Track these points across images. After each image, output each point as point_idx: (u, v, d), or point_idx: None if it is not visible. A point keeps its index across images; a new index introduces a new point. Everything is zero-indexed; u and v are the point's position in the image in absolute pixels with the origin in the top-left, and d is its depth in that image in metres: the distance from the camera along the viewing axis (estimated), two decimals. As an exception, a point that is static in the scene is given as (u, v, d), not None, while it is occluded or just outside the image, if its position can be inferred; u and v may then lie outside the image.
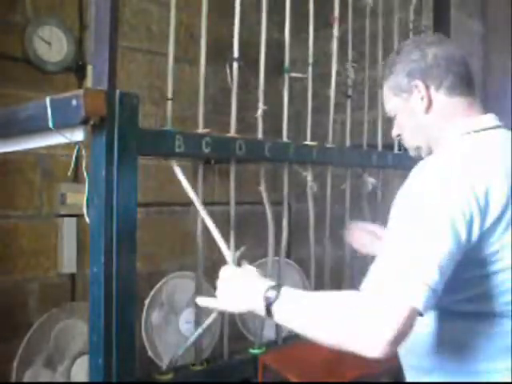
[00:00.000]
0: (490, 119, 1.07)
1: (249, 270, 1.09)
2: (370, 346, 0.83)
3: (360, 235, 1.50)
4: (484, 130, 1.04)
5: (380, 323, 0.82)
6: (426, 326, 1.00)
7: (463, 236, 0.89)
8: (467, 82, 1.08)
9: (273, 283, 1.00)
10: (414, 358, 1.06)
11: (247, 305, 1.03)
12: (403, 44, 1.16)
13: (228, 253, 1.26)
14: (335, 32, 1.71)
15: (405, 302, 0.82)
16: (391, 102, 1.15)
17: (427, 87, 1.07)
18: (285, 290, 0.97)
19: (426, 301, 0.83)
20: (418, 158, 1.08)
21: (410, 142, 1.17)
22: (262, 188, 1.50)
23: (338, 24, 1.72)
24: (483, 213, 0.90)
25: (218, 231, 1.27)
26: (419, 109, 1.08)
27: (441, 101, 1.07)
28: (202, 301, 1.15)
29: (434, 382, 1.04)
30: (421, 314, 0.83)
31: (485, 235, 0.91)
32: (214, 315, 1.35)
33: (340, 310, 0.89)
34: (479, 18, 2.60)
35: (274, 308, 0.95)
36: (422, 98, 1.07)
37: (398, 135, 1.19)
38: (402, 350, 1.04)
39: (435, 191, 0.91)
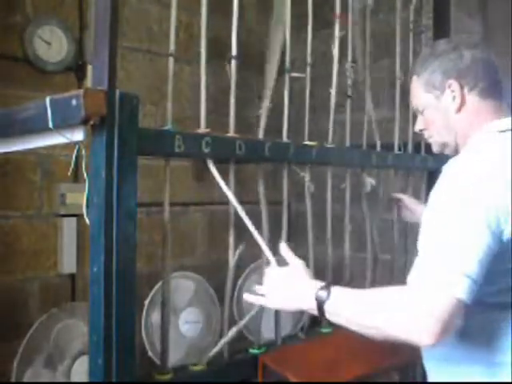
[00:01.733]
0: None
1: (296, 268, 1.14)
2: (421, 335, 0.89)
3: (404, 205, 1.70)
4: (508, 130, 1.07)
5: (427, 314, 0.88)
6: None
7: (498, 229, 0.93)
8: (498, 86, 1.13)
9: (322, 283, 1.05)
10: (441, 349, 1.06)
11: (298, 304, 1.09)
12: (438, 43, 1.20)
13: (269, 253, 1.30)
14: (337, 32, 1.71)
15: (448, 293, 0.88)
16: (421, 97, 1.18)
17: (461, 87, 1.11)
18: (335, 289, 1.03)
19: (468, 291, 0.89)
20: (432, 157, 1.10)
21: (436, 138, 1.20)
22: (261, 189, 1.50)
23: (340, 23, 1.72)
24: None
25: (257, 232, 1.32)
26: (451, 107, 1.12)
27: (473, 102, 1.11)
28: (250, 297, 1.19)
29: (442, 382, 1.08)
30: (465, 304, 0.89)
31: None
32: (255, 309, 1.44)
33: (390, 304, 0.95)
34: (479, 18, 2.60)
35: (326, 307, 1.02)
36: (454, 98, 1.11)
37: (421, 130, 1.23)
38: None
39: (471, 187, 0.95)
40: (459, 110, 1.12)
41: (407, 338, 0.92)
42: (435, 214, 0.98)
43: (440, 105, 1.14)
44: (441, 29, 2.05)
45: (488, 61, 1.12)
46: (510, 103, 1.15)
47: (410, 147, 1.99)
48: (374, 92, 1.93)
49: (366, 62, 1.86)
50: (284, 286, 1.12)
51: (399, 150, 1.96)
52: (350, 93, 1.81)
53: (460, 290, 0.88)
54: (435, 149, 1.23)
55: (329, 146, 1.70)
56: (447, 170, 1.01)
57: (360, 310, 1.00)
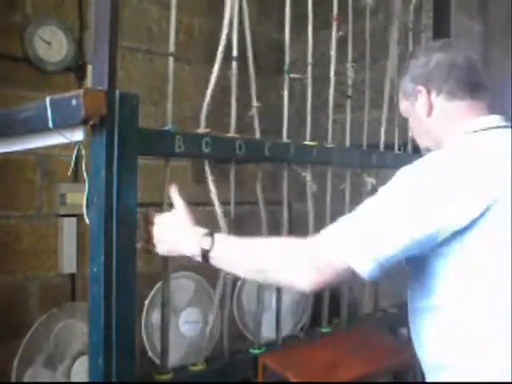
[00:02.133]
0: (493, 120, 1.09)
1: (179, 212, 1.15)
2: (304, 279, 0.97)
3: None
4: (484, 129, 1.06)
5: (319, 266, 0.96)
6: (444, 322, 1.02)
7: (437, 228, 0.93)
8: (470, 86, 1.11)
9: (205, 231, 1.09)
10: (431, 355, 1.07)
11: (182, 250, 1.13)
12: (417, 49, 1.21)
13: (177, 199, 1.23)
14: (334, 32, 1.71)
15: (349, 263, 0.94)
16: (402, 105, 1.22)
17: (429, 92, 1.12)
18: (218, 235, 1.09)
19: (369, 272, 0.94)
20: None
21: (420, 143, 1.24)
22: (258, 189, 1.50)
23: (339, 24, 1.72)
24: (465, 210, 0.93)
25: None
26: (422, 113, 1.14)
27: (441, 105, 1.12)
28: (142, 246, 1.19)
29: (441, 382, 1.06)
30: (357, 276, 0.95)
31: (473, 231, 0.94)
32: None
33: (280, 248, 1.04)
34: (479, 18, 2.60)
35: (211, 253, 1.06)
36: (424, 103, 1.13)
37: (413, 137, 1.27)
38: (420, 349, 1.09)
39: (426, 180, 0.96)
40: (429, 114, 1.13)
41: (289, 277, 0.99)
42: (384, 192, 1.01)
43: (415, 111, 1.17)
44: (441, 29, 2.05)
45: (455, 62, 1.11)
46: (511, 103, 1.15)
47: (409, 147, 1.99)
48: (374, 92, 1.93)
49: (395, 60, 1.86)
50: (169, 233, 1.14)
51: (399, 149, 1.96)
52: (349, 93, 1.81)
53: (363, 269, 0.93)
54: (424, 153, 1.22)
55: (329, 146, 1.70)
56: (415, 162, 1.02)
57: (247, 254, 1.06)
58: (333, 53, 1.72)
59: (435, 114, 1.13)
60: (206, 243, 1.07)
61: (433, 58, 1.12)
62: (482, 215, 0.93)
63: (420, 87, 1.13)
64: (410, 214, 0.94)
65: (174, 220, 1.15)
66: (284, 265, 1.01)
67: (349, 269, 0.94)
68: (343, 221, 1.01)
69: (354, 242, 0.95)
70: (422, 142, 1.22)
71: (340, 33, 1.69)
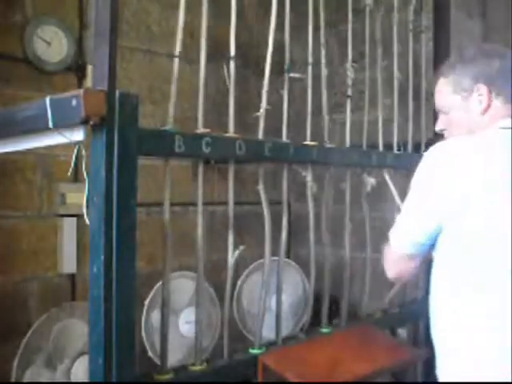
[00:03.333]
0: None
1: None
2: (387, 272, 1.24)
3: None
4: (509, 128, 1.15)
5: (388, 261, 1.23)
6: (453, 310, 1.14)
7: (448, 216, 1.09)
8: None
9: None
10: (442, 341, 1.18)
11: None
12: (467, 48, 1.29)
13: None
14: (322, 39, 1.72)
15: (400, 251, 1.19)
16: (448, 98, 1.25)
17: (489, 92, 1.18)
18: None
19: (414, 250, 1.16)
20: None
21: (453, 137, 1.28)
22: (261, 188, 1.50)
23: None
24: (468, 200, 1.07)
25: None
26: (476, 109, 1.20)
27: (496, 106, 1.19)
28: None
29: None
30: (413, 257, 1.18)
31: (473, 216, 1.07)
32: None
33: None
34: (479, 18, 2.60)
35: None
36: (481, 101, 1.19)
37: (442, 130, 1.30)
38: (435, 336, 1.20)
39: (439, 173, 1.10)
40: (484, 112, 1.19)
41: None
42: (412, 188, 1.17)
43: (467, 106, 1.21)
44: (441, 29, 2.05)
45: None
46: (511, 103, 1.18)
47: (409, 147, 2.00)
48: (374, 92, 1.93)
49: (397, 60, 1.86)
50: None
51: (399, 149, 1.96)
52: (349, 93, 1.81)
53: (408, 249, 1.17)
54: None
55: (329, 146, 1.70)
56: (434, 149, 1.14)
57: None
58: (322, 52, 1.72)
59: (489, 113, 1.19)
60: None
61: (495, 61, 1.19)
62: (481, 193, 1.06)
63: (481, 85, 1.18)
64: (433, 197, 1.11)
65: None
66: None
67: (403, 256, 1.19)
68: (396, 222, 1.22)
69: (399, 232, 1.19)
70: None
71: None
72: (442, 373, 1.16)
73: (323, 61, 1.72)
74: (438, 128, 1.31)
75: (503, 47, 1.28)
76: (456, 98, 1.23)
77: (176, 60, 1.33)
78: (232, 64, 1.43)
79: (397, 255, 1.21)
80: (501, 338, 1.05)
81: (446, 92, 1.25)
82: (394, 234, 1.21)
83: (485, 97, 1.19)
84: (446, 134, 1.30)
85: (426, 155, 1.15)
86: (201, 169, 1.36)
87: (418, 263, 1.20)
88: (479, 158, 1.09)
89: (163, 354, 1.33)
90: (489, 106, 1.19)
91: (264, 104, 1.50)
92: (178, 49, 1.33)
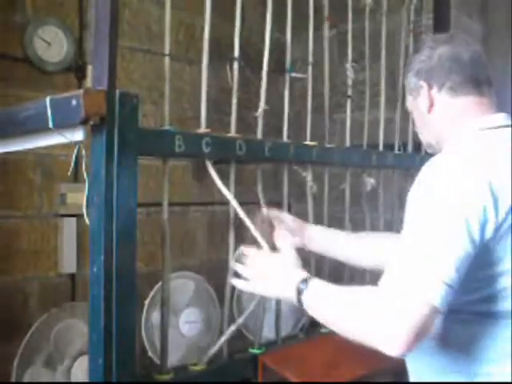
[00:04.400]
0: (500, 118, 1.06)
1: (287, 257, 1.14)
2: (390, 343, 0.85)
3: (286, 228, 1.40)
4: (491, 128, 1.03)
5: (399, 321, 0.84)
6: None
7: (477, 235, 0.89)
8: (474, 82, 1.07)
9: (305, 276, 1.05)
10: (424, 357, 1.04)
11: (280, 293, 1.10)
12: (423, 42, 1.21)
13: (262, 239, 1.29)
14: (326, 32, 1.72)
15: (422, 299, 0.84)
16: (407, 99, 1.20)
17: (430, 88, 1.09)
18: (313, 283, 1.03)
19: (444, 298, 0.85)
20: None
21: (422, 139, 1.21)
22: (259, 189, 1.50)
23: (331, 24, 1.73)
24: (495, 211, 0.90)
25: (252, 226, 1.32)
26: (423, 108, 1.11)
27: (443, 101, 1.09)
28: (237, 282, 1.19)
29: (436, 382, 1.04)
30: (440, 312, 0.86)
31: (497, 233, 0.91)
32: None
33: (363, 306, 0.93)
34: (479, 18, 2.60)
35: (303, 298, 1.02)
36: (425, 99, 1.10)
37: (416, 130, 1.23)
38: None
39: (450, 190, 0.91)
40: (430, 110, 1.10)
41: (376, 346, 0.88)
42: (414, 218, 0.94)
43: (417, 106, 1.13)
44: (441, 29, 2.04)
45: (459, 57, 1.07)
46: (511, 102, 1.14)
47: (409, 147, 1.99)
48: (374, 92, 1.93)
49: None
50: (270, 274, 1.12)
51: (399, 150, 1.96)
52: (349, 93, 1.81)
53: (435, 296, 0.84)
54: (427, 149, 1.22)
55: (329, 146, 1.70)
56: (426, 170, 0.97)
57: (334, 311, 0.99)
58: (326, 54, 1.72)
59: (436, 111, 1.10)
60: (301, 288, 1.03)
61: (436, 51, 1.08)
62: (506, 218, 0.91)
63: (422, 82, 1.10)
64: (452, 228, 0.88)
65: (279, 261, 1.14)
66: (371, 331, 0.91)
67: (431, 308, 0.84)
68: (398, 264, 0.91)
69: (420, 280, 0.86)
70: (424, 138, 1.19)
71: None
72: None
73: (326, 56, 1.72)
74: (415, 129, 1.25)
75: (458, 33, 1.16)
76: (409, 98, 1.17)
77: (167, 58, 1.32)
78: (235, 64, 1.43)
79: (421, 312, 0.84)
80: None
81: (406, 94, 1.20)
82: (402, 282, 0.87)
83: (425, 93, 1.09)
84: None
85: (423, 175, 0.97)
86: (233, 169, 1.36)
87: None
88: (484, 167, 0.94)
89: (163, 354, 1.33)
90: (432, 102, 1.09)
91: (262, 104, 1.49)
92: (167, 47, 1.32)
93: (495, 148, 0.99)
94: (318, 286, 1.03)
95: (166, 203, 1.30)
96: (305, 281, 1.04)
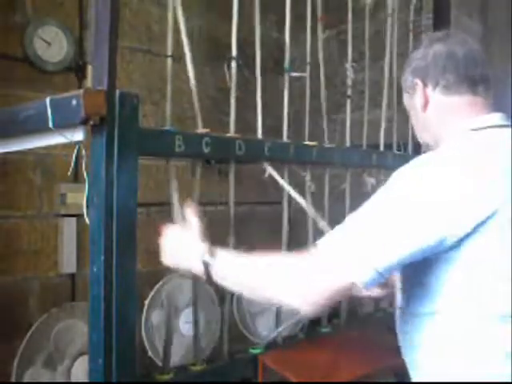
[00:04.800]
0: (494, 118, 1.05)
1: (190, 228, 1.15)
2: (300, 298, 0.92)
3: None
4: (484, 128, 1.02)
5: (317, 283, 0.91)
6: (443, 329, 0.96)
7: (443, 235, 0.88)
8: (470, 80, 1.05)
9: (208, 248, 1.07)
10: (424, 360, 1.02)
11: (187, 265, 1.11)
12: (420, 40, 1.21)
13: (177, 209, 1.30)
14: (320, 33, 1.72)
15: (349, 277, 0.89)
16: (404, 97, 1.18)
17: (425, 86, 1.08)
18: (221, 252, 1.07)
19: (369, 282, 0.89)
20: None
21: (419, 138, 1.20)
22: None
23: (331, 25, 1.73)
24: (472, 213, 0.88)
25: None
26: (419, 106, 1.10)
27: (437, 100, 1.07)
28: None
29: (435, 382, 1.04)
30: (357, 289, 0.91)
31: (478, 235, 0.89)
32: None
33: (281, 265, 0.98)
34: (479, 18, 2.60)
35: (213, 271, 1.05)
36: (420, 97, 1.09)
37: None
38: (411, 355, 1.04)
39: (428, 184, 0.91)
40: (424, 108, 1.09)
41: (285, 296, 0.95)
42: (379, 198, 0.95)
43: (413, 105, 1.12)
44: (441, 29, 2.04)
45: (454, 55, 1.05)
46: (511, 102, 1.13)
47: (410, 147, 1.99)
48: (374, 92, 1.93)
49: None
50: (176, 245, 1.14)
51: (398, 150, 1.96)
52: (349, 93, 1.81)
53: (361, 278, 0.89)
54: (425, 149, 1.21)
55: (329, 146, 1.70)
56: (410, 164, 0.96)
57: (245, 270, 1.03)
58: (320, 55, 1.72)
59: (431, 109, 1.08)
60: (207, 259, 1.06)
61: (431, 49, 1.07)
62: (486, 220, 0.88)
63: (417, 80, 1.09)
64: (412, 222, 0.89)
65: (184, 235, 1.14)
66: (276, 284, 0.97)
67: (349, 285, 0.89)
68: (340, 232, 0.95)
69: (355, 255, 0.90)
70: (421, 137, 1.18)
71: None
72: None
73: (321, 56, 1.72)
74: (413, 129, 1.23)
75: (454, 31, 1.16)
76: (406, 97, 1.16)
77: (169, 60, 1.32)
78: (233, 64, 1.43)
79: (337, 282, 0.90)
80: None
81: (403, 92, 1.18)
82: (340, 252, 0.91)
83: (420, 91, 1.08)
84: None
85: (401, 172, 0.95)
86: (232, 169, 1.36)
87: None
88: (470, 164, 0.92)
89: (164, 354, 1.33)
90: (426, 101, 1.08)
91: (259, 104, 1.49)
92: (169, 49, 1.33)
93: (483, 149, 0.97)
94: (225, 253, 1.07)
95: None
96: (209, 252, 1.06)
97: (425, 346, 1.00)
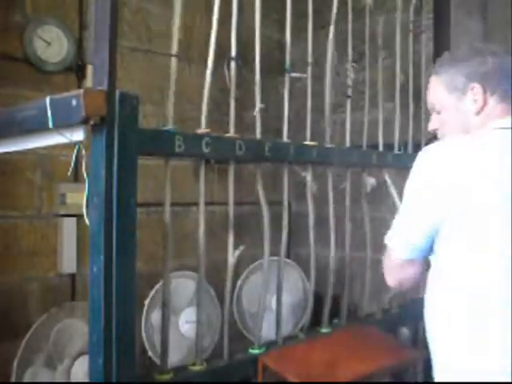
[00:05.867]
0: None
1: None
2: (387, 279, 1.19)
3: None
4: (508, 128, 1.12)
5: (386, 268, 1.19)
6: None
7: (453, 207, 1.05)
8: (511, 90, 1.18)
9: None
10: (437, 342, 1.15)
11: None
12: (460, 47, 1.29)
13: None
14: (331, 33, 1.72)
15: (397, 255, 1.14)
16: (442, 97, 1.22)
17: (484, 91, 1.16)
18: None
19: (410, 253, 1.13)
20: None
21: (444, 137, 1.24)
22: (260, 188, 1.50)
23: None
24: (462, 203, 1.04)
25: None
26: (471, 109, 1.17)
27: (492, 105, 1.16)
28: None
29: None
30: (409, 262, 1.14)
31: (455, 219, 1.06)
32: None
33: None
34: (479, 18, 2.60)
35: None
36: (476, 101, 1.16)
37: (434, 129, 1.27)
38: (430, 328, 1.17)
39: (436, 171, 1.07)
40: (479, 112, 1.16)
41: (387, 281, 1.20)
42: (406, 190, 1.14)
43: (461, 106, 1.18)
44: (441, 29, 2.05)
45: (507, 67, 1.17)
46: (510, 102, 1.17)
47: (409, 147, 1.99)
48: (374, 92, 1.93)
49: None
50: None
51: (399, 149, 1.96)
52: (349, 93, 1.81)
53: (404, 253, 1.13)
54: None
55: (329, 146, 1.70)
56: (428, 149, 1.11)
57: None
58: (329, 56, 1.72)
59: (484, 113, 1.16)
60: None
61: (487, 59, 1.16)
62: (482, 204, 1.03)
63: (475, 84, 1.16)
64: (427, 202, 1.08)
65: None
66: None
67: (402, 261, 1.14)
68: (392, 226, 1.18)
69: (396, 237, 1.15)
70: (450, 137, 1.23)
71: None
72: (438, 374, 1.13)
73: (329, 57, 1.72)
74: (431, 128, 1.28)
75: (495, 45, 1.25)
76: (450, 97, 1.20)
77: (173, 59, 1.32)
78: (233, 64, 1.43)
79: (395, 261, 1.16)
80: (501, 336, 1.02)
81: (438, 91, 1.22)
82: (390, 239, 1.17)
83: (480, 96, 1.16)
84: (439, 133, 1.26)
85: (420, 155, 1.12)
86: (202, 169, 1.36)
87: (418, 269, 1.14)
88: (476, 157, 1.06)
89: (163, 354, 1.33)
90: (484, 105, 1.16)
91: (258, 103, 1.49)
92: (174, 48, 1.32)
93: (494, 145, 1.09)
94: None
95: (167, 203, 1.30)
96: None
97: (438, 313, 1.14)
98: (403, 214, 1.15)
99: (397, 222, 1.16)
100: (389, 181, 1.87)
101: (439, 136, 1.26)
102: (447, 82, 1.20)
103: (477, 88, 1.16)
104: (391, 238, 1.16)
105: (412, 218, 1.13)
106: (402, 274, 1.16)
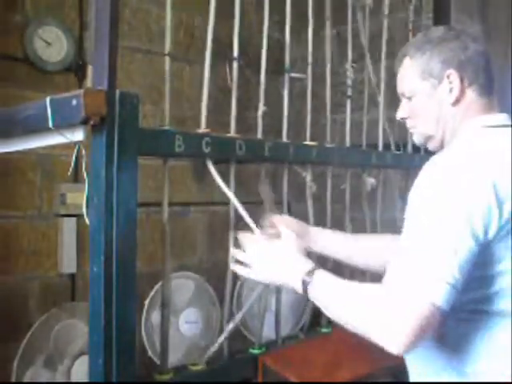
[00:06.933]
0: (502, 118, 1.06)
1: (288, 242, 1.12)
2: (393, 341, 0.86)
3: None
4: (494, 127, 1.04)
5: (402, 320, 0.85)
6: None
7: (481, 235, 0.88)
8: (493, 84, 1.08)
9: (310, 267, 1.04)
10: (423, 350, 1.02)
11: (284, 281, 1.09)
12: (436, 29, 1.12)
13: (252, 223, 1.29)
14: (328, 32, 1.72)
15: (426, 299, 0.85)
16: (414, 83, 1.09)
17: (461, 80, 1.05)
18: (318, 274, 1.03)
19: (447, 298, 0.85)
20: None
21: (420, 129, 1.13)
22: (263, 187, 1.50)
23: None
24: (499, 211, 0.89)
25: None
26: (447, 99, 1.06)
27: (470, 97, 1.05)
28: (239, 269, 1.17)
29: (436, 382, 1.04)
30: (443, 312, 0.86)
31: (499, 233, 0.90)
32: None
33: (368, 303, 0.93)
34: (479, 18, 2.60)
35: (309, 290, 1.03)
36: (452, 89, 1.05)
37: (404, 118, 1.15)
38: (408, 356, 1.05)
39: (453, 189, 0.90)
40: (456, 103, 1.05)
41: (379, 343, 0.89)
42: (417, 216, 0.92)
43: (435, 94, 1.07)
44: (441, 29, 2.04)
45: (488, 56, 1.07)
46: (510, 102, 1.14)
47: (409, 147, 1.99)
48: (374, 92, 1.93)
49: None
50: (273, 260, 1.10)
51: (398, 149, 1.96)
52: (349, 93, 1.81)
53: (438, 296, 0.85)
54: (417, 141, 1.15)
55: (329, 146, 1.70)
56: (429, 167, 0.95)
57: (339, 306, 1.00)
58: (328, 54, 1.72)
59: (461, 104, 1.05)
60: (306, 279, 1.03)
61: (469, 46, 1.05)
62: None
63: (452, 71, 1.04)
64: (456, 227, 0.88)
65: (281, 247, 1.12)
66: (374, 327, 0.91)
67: (431, 307, 0.85)
68: (399, 261, 0.92)
69: (423, 276, 0.87)
70: (426, 129, 1.11)
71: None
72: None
73: (328, 56, 1.72)
74: (399, 116, 1.15)
75: (475, 31, 1.19)
76: (423, 84, 1.07)
77: (167, 58, 1.32)
78: (235, 64, 1.43)
79: (418, 310, 0.84)
80: None
81: (411, 75, 1.09)
82: (406, 282, 0.87)
83: (456, 85, 1.04)
84: (408, 123, 1.14)
85: (426, 173, 0.95)
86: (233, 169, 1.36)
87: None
88: (496, 155, 0.94)
89: (163, 354, 1.33)
90: (461, 95, 1.04)
91: (261, 104, 1.49)
92: (167, 47, 1.32)
93: (498, 147, 0.97)
94: (323, 278, 1.03)
95: (165, 203, 1.30)
96: (311, 272, 1.03)
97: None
98: (428, 244, 0.88)
99: (416, 257, 0.88)
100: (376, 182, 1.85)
101: (408, 126, 1.15)
102: (422, 68, 1.07)
103: (453, 75, 1.04)
104: (412, 280, 0.86)
105: (447, 247, 0.87)
106: (433, 327, 0.87)
